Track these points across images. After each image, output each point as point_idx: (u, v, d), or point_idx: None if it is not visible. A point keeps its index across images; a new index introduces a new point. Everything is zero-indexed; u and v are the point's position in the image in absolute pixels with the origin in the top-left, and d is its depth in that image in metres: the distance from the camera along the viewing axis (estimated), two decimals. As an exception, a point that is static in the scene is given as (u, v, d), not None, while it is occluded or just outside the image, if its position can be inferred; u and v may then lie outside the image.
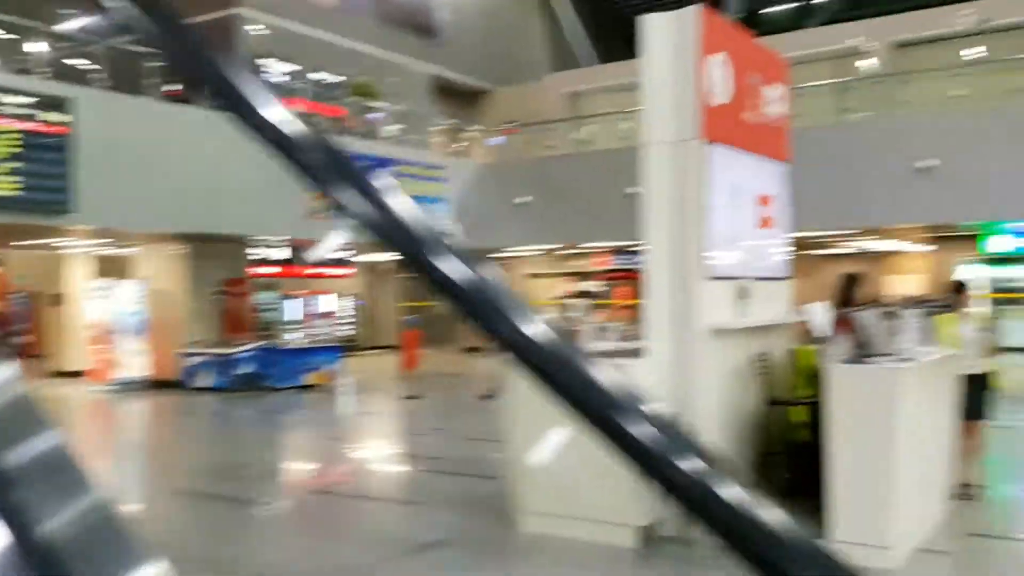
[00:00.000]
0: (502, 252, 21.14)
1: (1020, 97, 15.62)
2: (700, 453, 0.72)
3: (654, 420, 0.73)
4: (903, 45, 18.80)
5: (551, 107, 22.17)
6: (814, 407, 5.84)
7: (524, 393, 5.74)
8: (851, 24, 19.83)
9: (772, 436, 6.54)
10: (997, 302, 16.93)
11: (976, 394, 6.90)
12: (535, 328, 0.75)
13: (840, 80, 17.54)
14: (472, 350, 18.38)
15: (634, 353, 6.33)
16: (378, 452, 10.69)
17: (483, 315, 0.76)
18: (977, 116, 14.63)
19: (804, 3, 24.58)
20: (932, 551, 5.70)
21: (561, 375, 0.74)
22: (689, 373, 6.07)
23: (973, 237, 18.06)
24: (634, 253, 7.58)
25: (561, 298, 21.66)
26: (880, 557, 5.24)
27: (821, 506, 5.47)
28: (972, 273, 16.85)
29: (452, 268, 0.77)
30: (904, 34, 18.79)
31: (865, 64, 18.58)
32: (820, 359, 5.88)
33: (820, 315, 6.28)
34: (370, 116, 19.53)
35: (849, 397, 5.41)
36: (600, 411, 0.73)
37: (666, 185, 6.22)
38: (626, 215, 7.47)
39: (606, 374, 0.75)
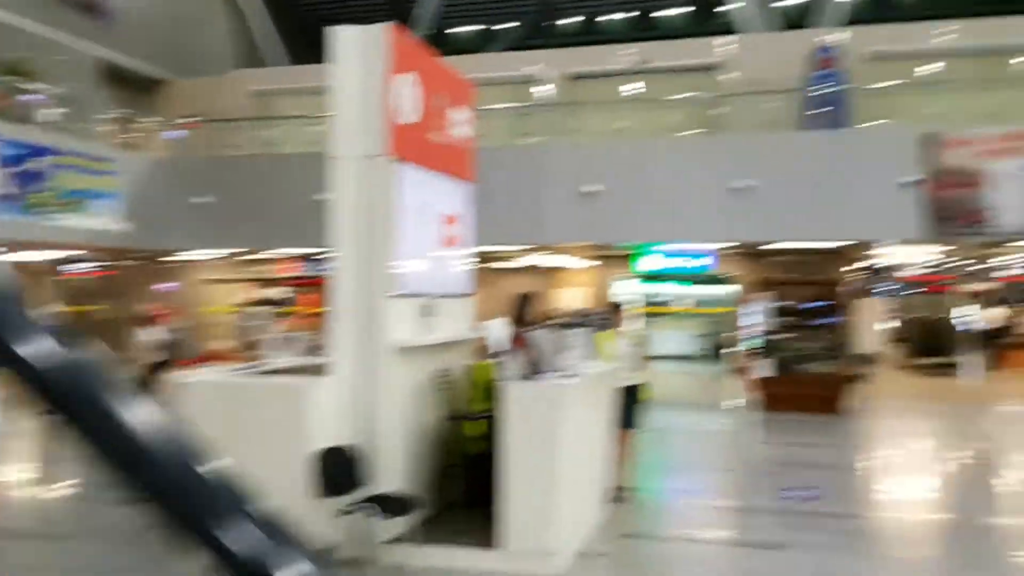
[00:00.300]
0: (177, 255, 19.76)
1: (672, 132, 17.61)
2: (305, 555, 0.67)
3: (257, 522, 0.66)
4: (576, 77, 20.32)
5: (236, 104, 21.08)
6: (491, 420, 6.04)
7: (195, 414, 5.36)
8: (532, 52, 21.07)
9: (451, 450, 6.68)
10: (648, 316, 18.85)
11: (629, 404, 7.61)
12: (135, 422, 0.63)
13: (519, 105, 18.57)
14: (158, 366, 14.83)
15: (318, 370, 6.17)
16: (23, 477, 9.43)
17: (71, 407, 0.62)
18: (635, 147, 16.23)
19: (487, 27, 25.79)
20: (591, 554, 6.15)
21: (160, 480, 0.63)
22: (374, 391, 6.03)
23: (628, 256, 19.99)
24: (322, 260, 7.38)
25: (241, 305, 20.74)
26: (545, 564, 5.55)
27: (494, 516, 5.67)
28: (627, 288, 18.65)
29: (36, 352, 0.62)
30: (577, 67, 20.32)
31: (542, 92, 19.83)
32: (496, 374, 6.10)
33: (498, 331, 6.51)
34: (25, 98, 17.30)
35: (520, 411, 5.67)
36: (198, 519, 0.64)
37: (353, 200, 6.14)
38: (314, 221, 7.25)
39: (216, 470, 0.66)
